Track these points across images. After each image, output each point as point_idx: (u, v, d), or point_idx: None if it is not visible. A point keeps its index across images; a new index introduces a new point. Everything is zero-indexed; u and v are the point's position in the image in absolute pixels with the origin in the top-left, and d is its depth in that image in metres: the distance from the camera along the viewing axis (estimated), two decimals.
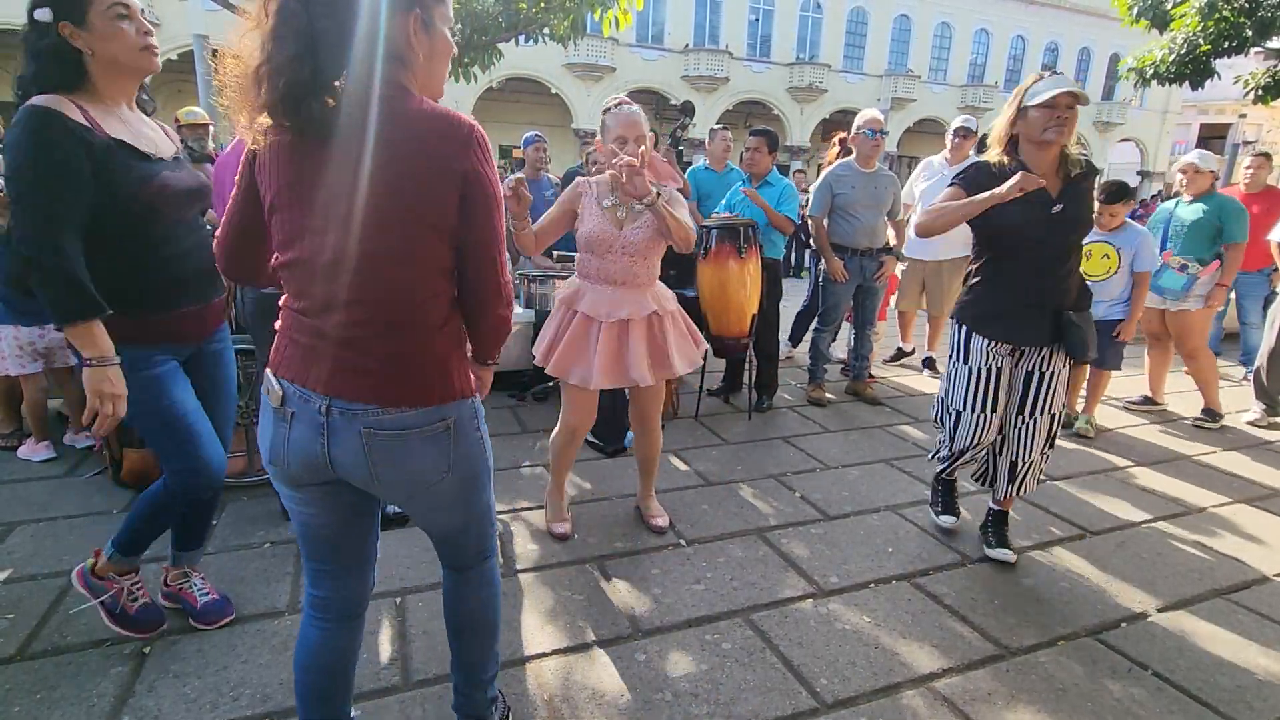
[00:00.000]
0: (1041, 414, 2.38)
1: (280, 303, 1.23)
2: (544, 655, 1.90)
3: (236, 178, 1.23)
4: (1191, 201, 4.12)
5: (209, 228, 1.85)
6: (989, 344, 2.37)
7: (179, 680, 1.76)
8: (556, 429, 2.52)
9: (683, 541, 2.55)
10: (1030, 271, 2.30)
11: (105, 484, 2.84)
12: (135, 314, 1.63)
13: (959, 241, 5.11)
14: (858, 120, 4.06)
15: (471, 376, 1.29)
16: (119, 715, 1.64)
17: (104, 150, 1.50)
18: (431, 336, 1.19)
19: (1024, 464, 2.42)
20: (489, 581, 1.44)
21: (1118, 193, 3.68)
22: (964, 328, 2.43)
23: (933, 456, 2.73)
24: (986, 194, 2.15)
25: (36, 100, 1.44)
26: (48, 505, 2.66)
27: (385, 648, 1.91)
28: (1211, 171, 4.09)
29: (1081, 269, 3.44)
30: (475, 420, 1.29)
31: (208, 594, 2.00)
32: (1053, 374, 2.35)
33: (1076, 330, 2.29)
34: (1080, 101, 2.16)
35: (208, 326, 1.85)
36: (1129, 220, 3.75)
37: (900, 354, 5.44)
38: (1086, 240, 3.52)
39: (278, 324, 1.23)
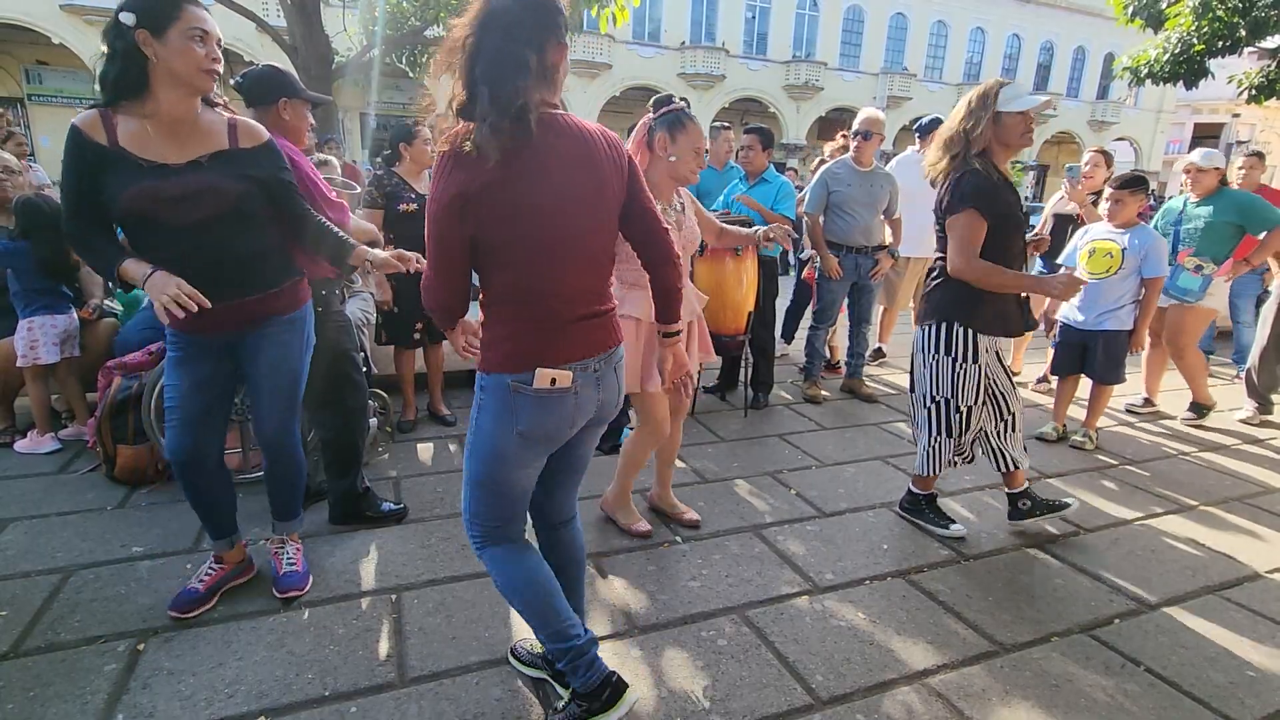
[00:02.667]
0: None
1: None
2: None
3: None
4: (1201, 201, 3.97)
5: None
6: (989, 340, 2.49)
7: (173, 677, 1.75)
8: (642, 438, 2.48)
9: (679, 539, 2.56)
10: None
11: (99, 480, 2.83)
12: None
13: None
14: (857, 120, 4.07)
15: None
16: (113, 713, 1.63)
17: (108, 159, 1.68)
18: None
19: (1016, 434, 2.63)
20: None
21: (1133, 180, 3.44)
22: (967, 330, 2.46)
23: (929, 470, 2.64)
24: (1039, 283, 2.47)
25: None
26: (41, 502, 2.65)
27: (382, 644, 1.91)
28: (1216, 169, 3.95)
29: (1084, 265, 3.48)
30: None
31: (293, 564, 2.17)
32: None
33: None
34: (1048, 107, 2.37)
35: (224, 324, 1.89)
36: (1141, 221, 3.52)
37: (880, 354, 5.37)
38: (1093, 237, 3.53)
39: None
